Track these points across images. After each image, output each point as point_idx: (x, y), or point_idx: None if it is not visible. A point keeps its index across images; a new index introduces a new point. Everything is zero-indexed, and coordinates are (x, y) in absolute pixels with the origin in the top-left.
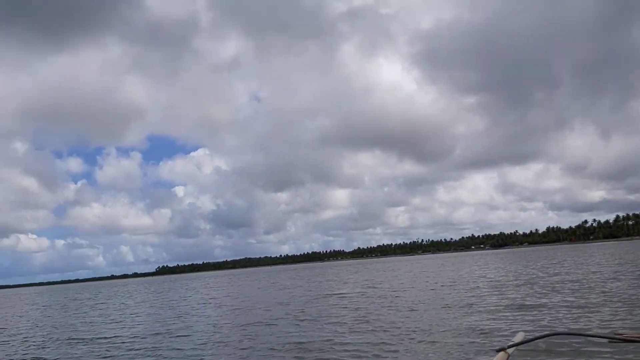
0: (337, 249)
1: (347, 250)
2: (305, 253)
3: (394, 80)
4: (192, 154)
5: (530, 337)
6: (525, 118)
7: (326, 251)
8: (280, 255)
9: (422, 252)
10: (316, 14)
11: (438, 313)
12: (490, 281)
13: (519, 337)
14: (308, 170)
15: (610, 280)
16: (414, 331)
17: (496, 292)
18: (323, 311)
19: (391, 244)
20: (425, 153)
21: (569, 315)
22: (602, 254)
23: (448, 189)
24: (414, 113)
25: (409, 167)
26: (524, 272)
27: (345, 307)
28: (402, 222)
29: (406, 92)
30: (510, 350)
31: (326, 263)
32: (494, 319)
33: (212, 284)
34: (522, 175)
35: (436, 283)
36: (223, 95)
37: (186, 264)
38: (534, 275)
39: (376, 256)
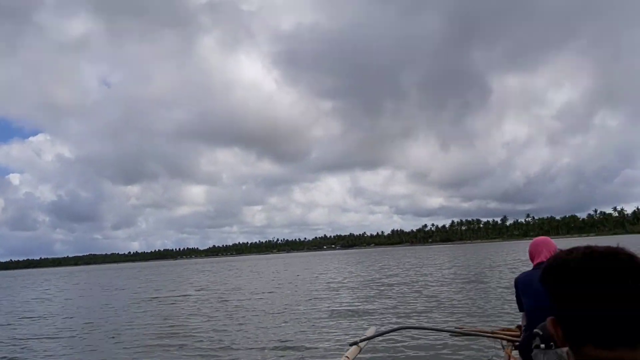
0: (191, 246)
1: (201, 248)
2: (157, 250)
3: (254, 79)
4: (31, 138)
5: (382, 330)
6: (377, 126)
7: (179, 249)
8: (129, 252)
9: (277, 251)
10: (175, 3)
11: (258, 320)
12: (329, 282)
13: (370, 332)
14: (162, 163)
15: (438, 284)
16: (216, 348)
17: (330, 295)
18: (125, 322)
19: (247, 243)
20: (283, 154)
21: (394, 320)
22: (435, 256)
23: (304, 190)
24: (274, 113)
25: (267, 167)
26: (363, 274)
27: (157, 315)
28: (258, 221)
29: (266, 91)
30: (362, 344)
31: (178, 261)
32: (315, 328)
33: (37, 283)
34: (372, 179)
35: (276, 283)
36: (69, 77)
37: (21, 259)
38: (372, 277)
39: (231, 254)
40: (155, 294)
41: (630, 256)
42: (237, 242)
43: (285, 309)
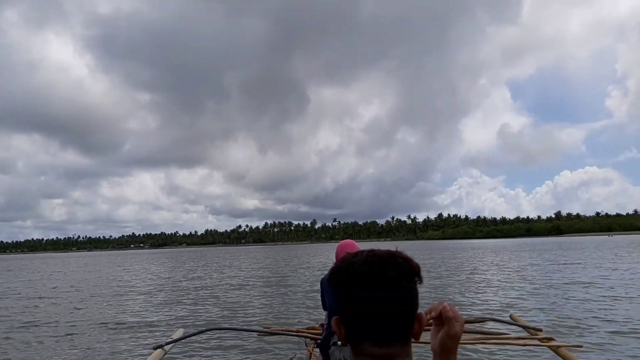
0: None
1: None
2: None
3: (63, 61)
4: None
5: (189, 333)
6: (196, 124)
7: None
8: None
9: (78, 249)
10: None
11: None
12: (118, 286)
13: (178, 334)
14: None
15: (247, 285)
16: None
17: (131, 298)
18: None
19: (42, 239)
20: (92, 144)
21: (201, 322)
22: (246, 257)
23: (113, 185)
24: (84, 100)
25: (72, 157)
26: (168, 275)
27: None
28: (58, 215)
29: (76, 76)
30: (167, 347)
31: None
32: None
33: None
34: (188, 178)
35: (54, 288)
36: None
37: None
38: (178, 278)
39: (22, 252)
40: None
41: (405, 259)
42: (30, 238)
43: (72, 316)
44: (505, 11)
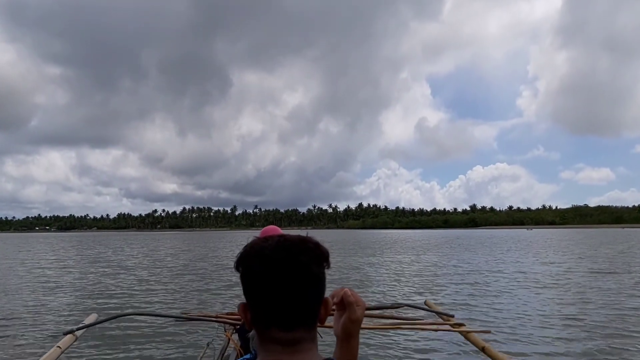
0: None
1: None
2: None
3: None
4: None
5: (102, 318)
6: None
7: None
8: None
9: None
10: None
11: None
12: (35, 268)
13: (90, 319)
14: None
15: (164, 270)
16: None
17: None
18: None
19: None
20: None
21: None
22: (162, 242)
23: (18, 163)
24: None
25: None
26: (73, 261)
27: None
28: None
29: None
30: (78, 333)
31: None
32: None
33: None
34: (101, 159)
35: None
36: None
37: None
38: (81, 263)
39: None
40: None
41: (316, 244)
42: None
43: None
44: (428, 7)
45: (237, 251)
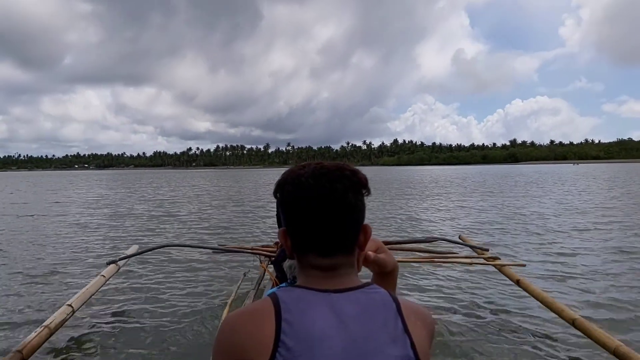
0: None
1: None
2: None
3: None
4: None
5: (142, 249)
6: (142, 38)
7: None
8: None
9: (18, 168)
10: None
11: None
12: (77, 202)
13: (132, 250)
14: None
15: (202, 204)
16: None
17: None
18: None
19: None
20: (30, 57)
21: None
22: (198, 179)
23: (56, 102)
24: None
25: (9, 71)
26: (114, 196)
27: None
28: None
29: None
30: (121, 263)
31: None
32: None
33: None
34: (135, 97)
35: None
36: None
37: None
38: (123, 199)
39: None
40: None
41: (353, 171)
42: None
43: (18, 232)
44: None
45: (270, 188)
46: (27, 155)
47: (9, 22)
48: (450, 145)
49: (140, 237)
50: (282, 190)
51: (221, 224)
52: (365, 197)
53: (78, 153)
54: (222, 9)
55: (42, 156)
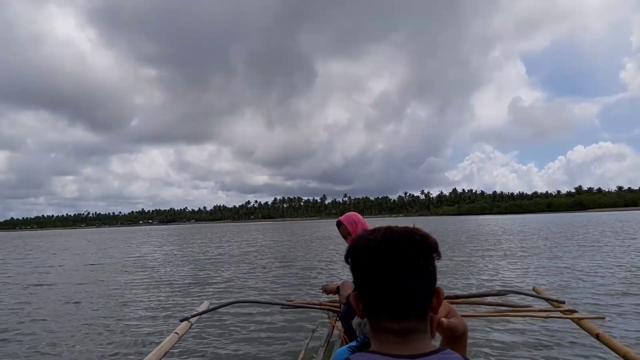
0: None
1: None
2: None
3: (67, 35)
4: None
5: (213, 306)
6: (203, 99)
7: None
8: None
9: (87, 225)
10: None
11: (60, 308)
12: (133, 263)
13: (203, 306)
14: None
15: (265, 259)
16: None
17: (152, 272)
18: None
19: (52, 216)
20: (99, 120)
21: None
22: (256, 232)
23: (123, 161)
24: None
25: (80, 134)
26: (180, 252)
27: None
28: (70, 192)
29: (79, 51)
30: (193, 319)
31: None
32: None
33: None
34: (197, 154)
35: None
36: None
37: None
38: (194, 253)
39: (32, 228)
40: None
41: (423, 236)
42: (41, 215)
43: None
44: None
45: (331, 240)
46: (95, 212)
47: (81, 89)
48: (512, 193)
49: (208, 293)
50: (352, 256)
51: (285, 278)
52: (436, 261)
53: (143, 209)
54: (278, 69)
55: (109, 213)
